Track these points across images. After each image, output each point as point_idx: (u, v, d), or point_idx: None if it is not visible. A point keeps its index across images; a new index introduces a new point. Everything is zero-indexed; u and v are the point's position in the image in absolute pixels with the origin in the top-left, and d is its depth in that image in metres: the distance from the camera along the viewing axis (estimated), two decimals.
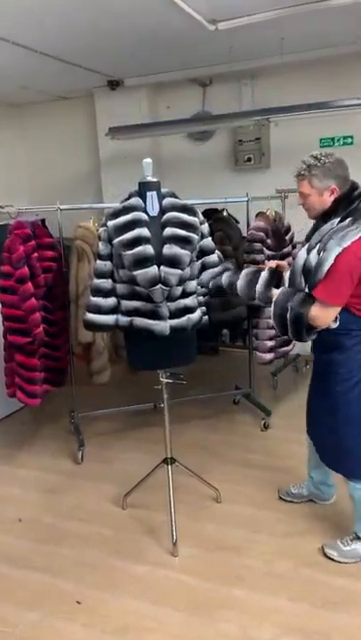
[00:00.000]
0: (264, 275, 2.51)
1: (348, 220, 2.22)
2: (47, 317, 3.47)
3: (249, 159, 5.25)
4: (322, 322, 2.27)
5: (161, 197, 2.58)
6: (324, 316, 2.26)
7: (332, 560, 2.54)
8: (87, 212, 3.68)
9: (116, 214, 2.51)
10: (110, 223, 2.51)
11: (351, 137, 4.88)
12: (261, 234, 3.84)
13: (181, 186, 5.42)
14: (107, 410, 3.95)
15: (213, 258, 2.76)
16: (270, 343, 3.91)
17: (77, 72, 4.83)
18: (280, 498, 3.03)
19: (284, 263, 2.73)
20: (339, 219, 2.24)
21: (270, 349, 3.93)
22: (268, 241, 3.90)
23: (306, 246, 2.33)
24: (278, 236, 4.00)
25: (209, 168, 5.54)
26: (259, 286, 2.49)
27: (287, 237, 4.14)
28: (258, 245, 3.83)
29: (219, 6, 3.45)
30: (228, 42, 4.13)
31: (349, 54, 4.58)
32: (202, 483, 3.02)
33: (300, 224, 4.07)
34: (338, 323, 2.30)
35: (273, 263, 2.68)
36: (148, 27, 3.76)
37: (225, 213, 4.03)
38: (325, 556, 2.56)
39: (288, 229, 4.18)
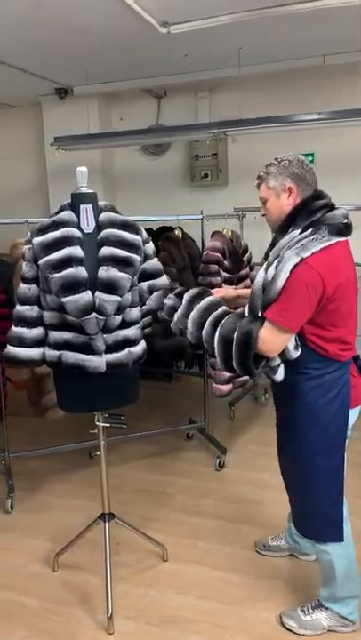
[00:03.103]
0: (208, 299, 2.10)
1: (310, 230, 1.89)
2: None
3: (206, 175, 4.97)
4: (269, 347, 1.88)
5: (98, 211, 2.22)
6: (273, 340, 1.87)
7: (292, 632, 2.18)
8: (26, 228, 3.29)
9: (43, 230, 2.13)
10: (36, 240, 2.12)
11: (312, 154, 4.66)
12: (218, 255, 3.54)
13: (135, 202, 5.21)
14: (44, 449, 3.51)
15: (163, 281, 2.40)
16: (228, 373, 3.58)
17: (22, 77, 4.47)
18: (257, 552, 2.67)
19: (243, 292, 2.36)
20: (299, 230, 1.90)
21: (228, 380, 3.59)
22: (226, 262, 3.59)
23: (264, 265, 1.96)
24: (235, 257, 3.70)
25: (164, 184, 5.24)
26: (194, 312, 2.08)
27: (245, 258, 3.85)
28: (214, 267, 3.53)
29: (170, 7, 3.17)
30: (182, 49, 3.87)
31: (313, 68, 4.36)
32: (145, 539, 2.64)
33: (257, 244, 3.84)
34: (299, 350, 1.95)
35: (228, 291, 2.34)
36: (97, 27, 3.46)
37: (177, 232, 3.71)
38: (283, 626, 2.21)
39: (245, 250, 3.90)
